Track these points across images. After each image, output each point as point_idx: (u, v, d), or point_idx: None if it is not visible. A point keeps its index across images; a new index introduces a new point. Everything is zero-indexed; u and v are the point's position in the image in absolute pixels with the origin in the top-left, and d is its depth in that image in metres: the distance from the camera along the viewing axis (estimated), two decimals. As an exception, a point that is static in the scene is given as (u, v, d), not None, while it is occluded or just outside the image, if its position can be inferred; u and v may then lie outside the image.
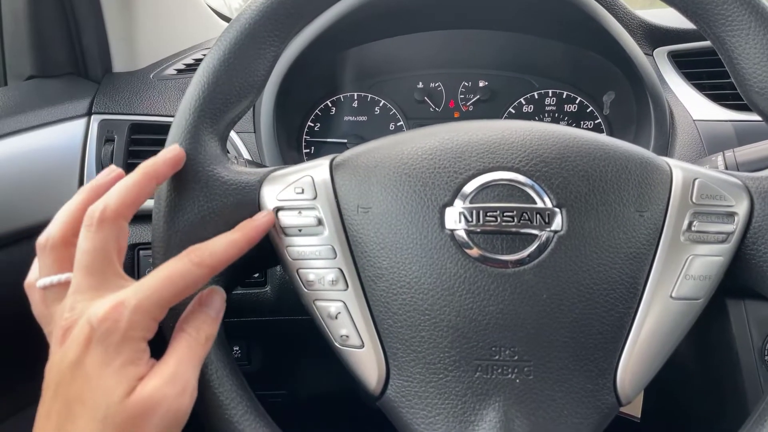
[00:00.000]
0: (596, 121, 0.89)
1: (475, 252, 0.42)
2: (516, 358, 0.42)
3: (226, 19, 1.16)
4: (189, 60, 0.92)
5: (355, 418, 1.04)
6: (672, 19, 0.81)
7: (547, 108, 0.90)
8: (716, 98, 0.76)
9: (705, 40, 0.79)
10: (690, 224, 0.43)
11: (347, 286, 0.44)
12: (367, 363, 0.44)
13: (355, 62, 0.91)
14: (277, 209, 0.45)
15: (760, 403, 0.43)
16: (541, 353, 0.42)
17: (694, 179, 0.44)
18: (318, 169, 0.46)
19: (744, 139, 0.71)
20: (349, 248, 0.44)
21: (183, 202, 0.44)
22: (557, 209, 0.42)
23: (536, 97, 0.91)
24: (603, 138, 0.46)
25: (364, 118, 0.92)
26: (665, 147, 0.74)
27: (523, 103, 0.91)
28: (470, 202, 0.42)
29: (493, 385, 0.42)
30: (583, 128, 0.88)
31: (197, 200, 0.44)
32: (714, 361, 0.76)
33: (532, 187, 0.43)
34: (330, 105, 0.92)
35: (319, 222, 0.45)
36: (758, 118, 0.47)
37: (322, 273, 0.44)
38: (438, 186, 0.43)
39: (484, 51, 0.90)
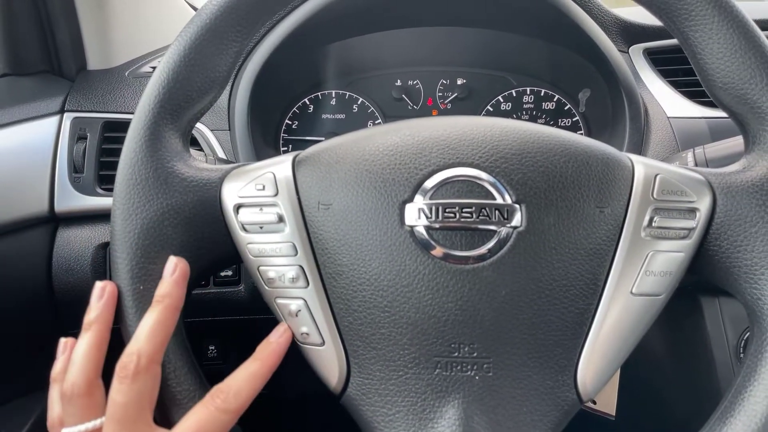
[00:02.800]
0: (574, 119, 0.89)
1: (434, 248, 0.42)
2: (475, 354, 0.41)
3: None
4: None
5: (343, 417, 1.04)
6: (648, 16, 0.80)
7: (525, 106, 0.90)
8: (691, 95, 0.76)
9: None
10: (651, 220, 0.43)
11: (308, 283, 0.44)
12: (328, 361, 0.44)
13: (333, 59, 0.90)
14: (238, 206, 0.45)
15: (730, 388, 0.43)
16: (500, 350, 0.41)
17: (656, 175, 0.44)
18: (280, 166, 0.46)
19: (717, 135, 0.71)
20: (310, 245, 0.44)
21: (141, 200, 0.43)
22: (516, 205, 0.42)
23: (514, 94, 0.90)
24: (564, 134, 0.45)
25: (342, 116, 0.91)
26: (639, 144, 0.74)
27: (501, 100, 0.90)
28: (430, 199, 0.42)
29: (453, 382, 0.42)
30: (560, 126, 0.89)
31: (156, 198, 0.44)
32: (689, 358, 0.76)
33: (491, 183, 0.42)
34: (308, 103, 0.91)
35: (280, 219, 0.44)
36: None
37: (282, 270, 0.44)
38: (398, 182, 0.43)
39: (462, 49, 0.90)
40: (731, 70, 0.44)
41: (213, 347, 0.82)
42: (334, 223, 0.43)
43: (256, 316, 0.75)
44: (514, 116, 0.90)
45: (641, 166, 0.45)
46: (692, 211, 0.43)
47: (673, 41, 0.80)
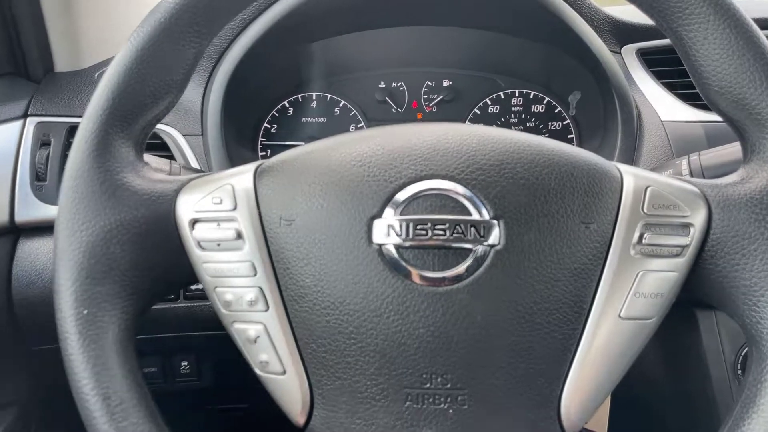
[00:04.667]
0: (564, 122, 0.85)
1: (404, 269, 0.38)
2: (449, 386, 0.38)
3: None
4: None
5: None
6: (641, 15, 0.77)
7: (514, 108, 0.87)
8: (686, 98, 0.72)
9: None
10: (641, 237, 0.39)
11: (267, 306, 0.40)
12: (290, 391, 0.40)
13: (314, 59, 0.87)
14: (194, 221, 0.41)
15: (729, 417, 0.39)
16: (476, 381, 0.38)
17: (646, 187, 0.41)
18: (241, 177, 0.42)
19: (714, 140, 0.68)
20: (271, 265, 0.40)
21: (87, 215, 0.40)
22: (494, 221, 0.38)
23: (502, 97, 0.87)
24: (548, 143, 0.42)
25: (323, 120, 0.88)
26: (632, 149, 0.71)
27: (489, 103, 0.87)
28: (400, 214, 0.39)
29: (425, 416, 0.38)
30: (550, 129, 0.85)
31: (103, 212, 0.40)
32: (684, 374, 0.73)
33: (467, 197, 0.39)
34: (287, 105, 0.88)
35: (239, 235, 0.41)
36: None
37: (240, 292, 0.40)
38: (366, 196, 0.39)
39: (449, 49, 0.86)
40: (728, 72, 0.41)
41: (186, 363, 0.78)
42: (296, 241, 0.40)
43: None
44: (503, 119, 0.87)
45: (631, 177, 0.41)
46: (686, 226, 0.40)
47: (668, 41, 0.76)
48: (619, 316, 0.39)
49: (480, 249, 0.38)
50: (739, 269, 0.39)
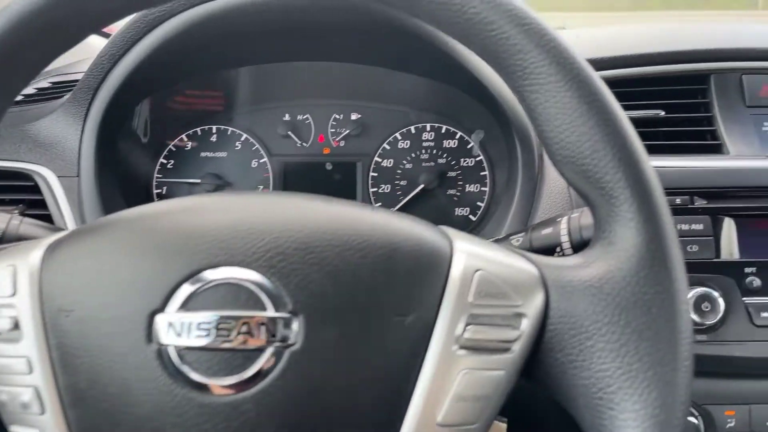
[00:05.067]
0: (477, 158, 0.81)
1: (184, 374, 0.33)
2: None
3: (106, 35, 1.06)
4: (44, 83, 0.82)
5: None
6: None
7: (425, 144, 0.82)
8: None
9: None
10: (464, 330, 0.35)
11: (43, 410, 0.35)
12: None
13: (214, 90, 0.82)
14: None
15: None
16: None
17: (476, 271, 0.36)
18: (27, 256, 0.37)
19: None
20: (50, 362, 0.35)
21: None
22: (292, 316, 0.34)
23: (413, 131, 0.82)
24: (371, 218, 0.37)
25: (224, 155, 0.83)
26: (531, 195, 0.66)
27: (399, 138, 0.82)
28: (184, 309, 0.34)
29: None
30: (463, 165, 0.81)
31: None
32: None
33: (264, 288, 0.34)
34: (186, 139, 0.83)
35: (16, 326, 0.35)
36: None
37: (15, 392, 0.35)
38: (148, 287, 0.34)
39: (357, 82, 0.82)
40: (571, 141, 0.36)
41: None
42: (75, 336, 0.35)
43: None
44: (413, 155, 0.82)
45: (462, 257, 0.37)
46: (517, 317, 0.35)
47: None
48: (438, 423, 0.34)
49: (271, 350, 0.33)
50: (576, 366, 0.35)
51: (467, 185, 0.81)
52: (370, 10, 0.63)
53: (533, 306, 0.36)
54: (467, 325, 0.35)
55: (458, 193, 0.81)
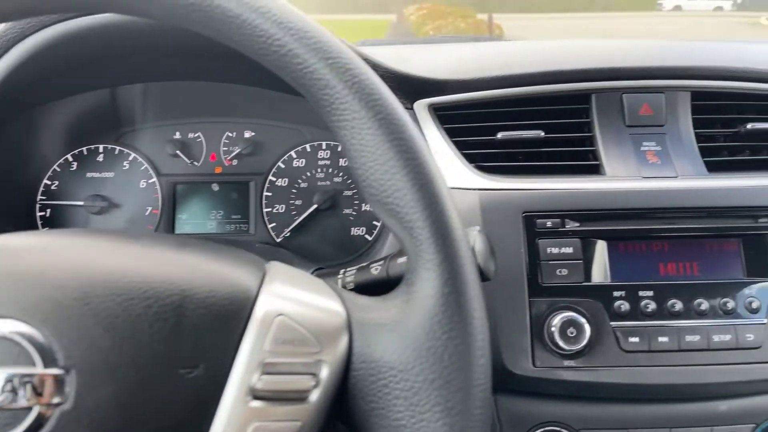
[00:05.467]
0: (373, 177, 0.80)
1: None
2: None
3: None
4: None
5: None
6: (434, 69, 0.72)
7: (320, 162, 0.81)
8: (472, 158, 0.67)
9: (468, 90, 0.71)
10: (259, 380, 0.33)
11: None
12: None
13: (99, 109, 0.79)
14: None
15: None
16: None
17: (276, 316, 0.34)
18: None
19: (492, 210, 0.63)
20: None
21: None
22: (63, 372, 0.31)
23: (308, 149, 0.81)
24: (168, 261, 0.35)
25: (111, 175, 0.80)
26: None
27: (294, 156, 0.81)
28: None
29: None
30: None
31: None
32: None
33: (34, 342, 0.32)
34: (71, 159, 0.79)
35: None
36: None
37: None
38: None
39: (250, 99, 0.80)
40: (376, 179, 0.35)
41: None
42: None
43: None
44: (309, 173, 0.80)
45: (268, 300, 0.35)
46: (318, 363, 0.34)
47: (462, 96, 0.71)
48: None
49: (37, 411, 0.31)
50: (377, 414, 0.34)
51: (363, 204, 0.79)
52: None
53: (335, 352, 0.34)
54: (262, 374, 0.33)
55: (354, 213, 0.80)
